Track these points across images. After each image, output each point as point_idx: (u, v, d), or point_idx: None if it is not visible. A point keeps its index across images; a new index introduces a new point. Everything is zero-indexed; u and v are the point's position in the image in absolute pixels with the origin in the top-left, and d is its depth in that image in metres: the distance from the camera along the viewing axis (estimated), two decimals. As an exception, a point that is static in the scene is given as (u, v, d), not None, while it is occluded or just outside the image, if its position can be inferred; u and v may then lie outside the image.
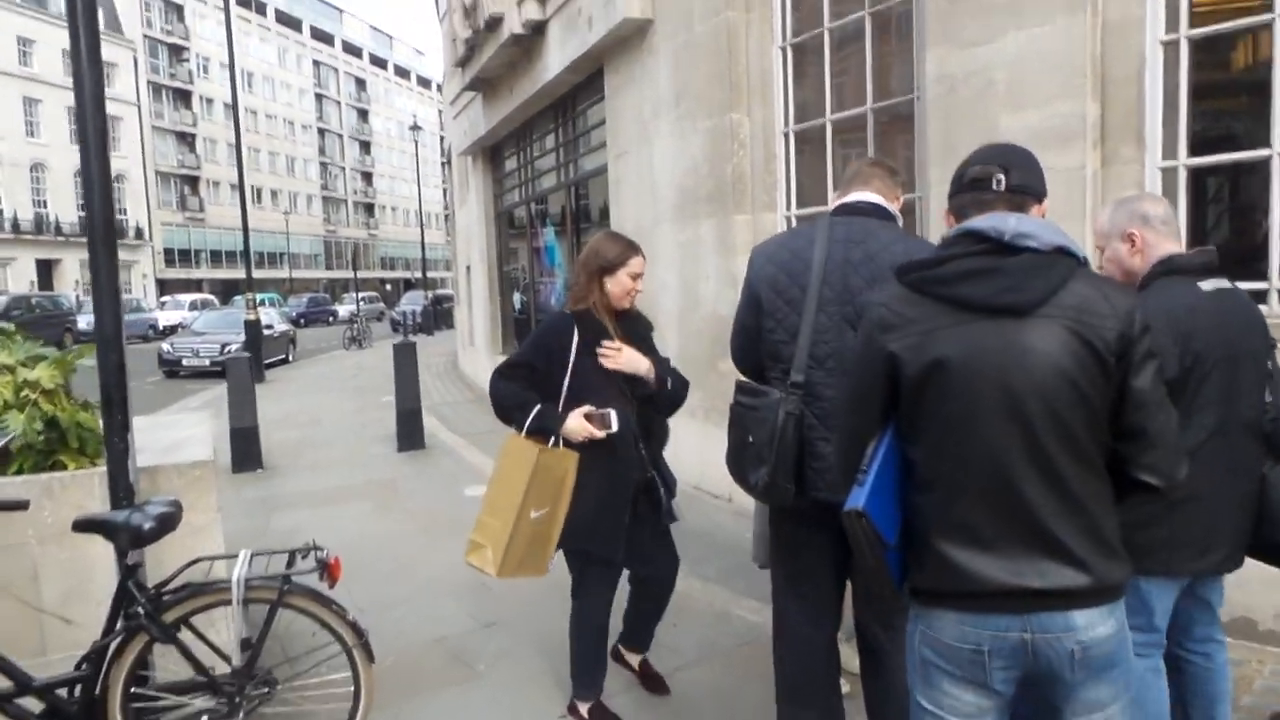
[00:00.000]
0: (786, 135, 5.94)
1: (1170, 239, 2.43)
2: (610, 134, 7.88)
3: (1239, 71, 3.88)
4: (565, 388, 3.01)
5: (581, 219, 9.92)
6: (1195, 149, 3.83)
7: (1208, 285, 2.32)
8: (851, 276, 2.45)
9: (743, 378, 2.78)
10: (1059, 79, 3.99)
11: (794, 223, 5.98)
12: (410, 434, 9.03)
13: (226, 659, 2.70)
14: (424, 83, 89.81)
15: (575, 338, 3.01)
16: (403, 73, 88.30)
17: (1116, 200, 2.53)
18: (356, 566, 5.26)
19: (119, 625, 2.58)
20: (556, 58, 8.50)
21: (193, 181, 59.84)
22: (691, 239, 6.60)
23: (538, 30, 8.73)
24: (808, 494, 2.46)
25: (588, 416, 2.96)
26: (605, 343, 3.03)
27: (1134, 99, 3.90)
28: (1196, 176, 3.90)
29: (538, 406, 2.98)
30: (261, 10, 67.64)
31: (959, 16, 4.35)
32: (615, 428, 2.97)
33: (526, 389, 3.04)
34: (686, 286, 6.71)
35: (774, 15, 5.87)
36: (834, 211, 2.59)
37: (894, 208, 2.59)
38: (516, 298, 12.82)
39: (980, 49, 4.28)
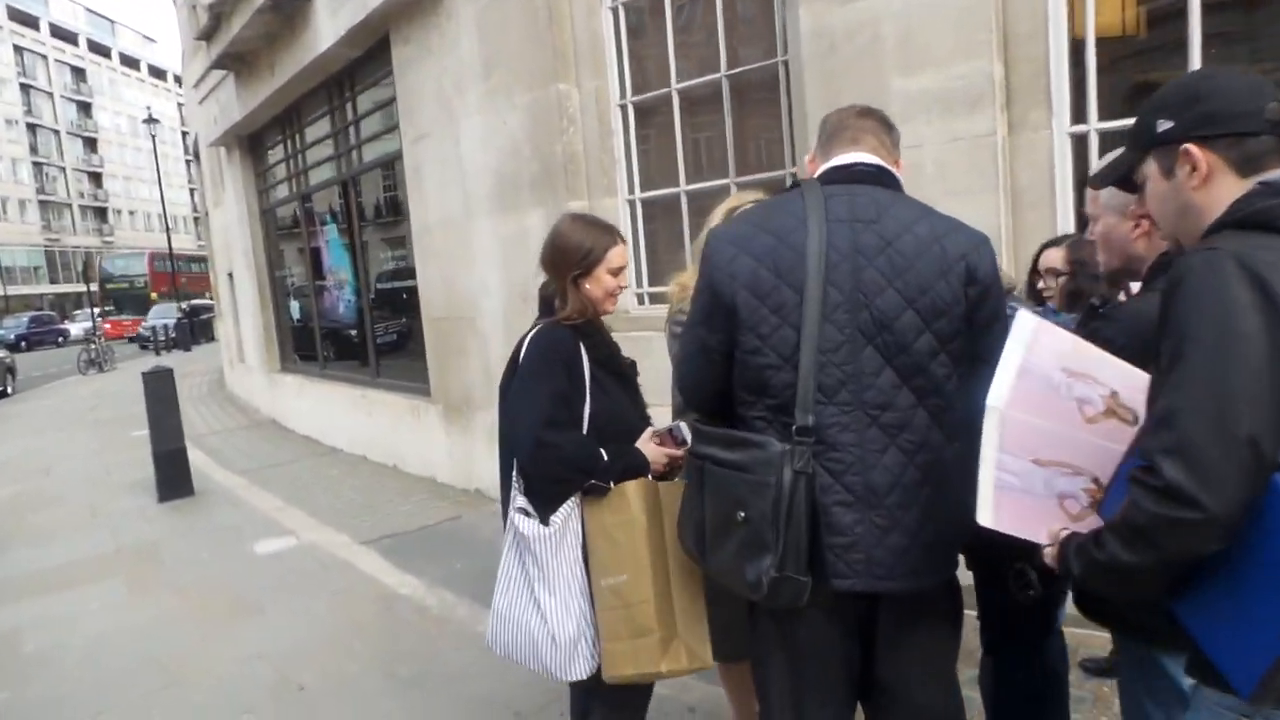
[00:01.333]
0: (624, 108, 5.18)
1: None
2: (404, 114, 6.75)
3: (1152, 24, 3.57)
4: (586, 421, 2.21)
5: (370, 213, 8.64)
6: (1106, 112, 3.48)
7: None
8: (865, 270, 1.72)
9: (694, 421, 1.97)
10: (959, 34, 3.50)
11: (639, 209, 5.24)
12: (174, 479, 7.38)
13: None
14: (158, 73, 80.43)
15: (585, 357, 2.22)
16: (131, 62, 78.45)
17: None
18: (102, 687, 3.90)
19: None
20: (328, 27, 7.20)
21: None
22: (516, 232, 5.68)
23: (303, -8, 7.37)
24: (827, 584, 1.71)
25: (658, 439, 2.29)
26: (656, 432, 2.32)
27: (1041, 57, 3.48)
28: (1110, 144, 3.56)
29: (605, 449, 2.19)
30: (-62, -17, 57.47)
31: (836, -37, 3.77)
32: (690, 441, 2.20)
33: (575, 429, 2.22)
34: (513, 287, 5.78)
35: (602, -32, 5.07)
36: (822, 178, 1.84)
37: (897, 173, 1.88)
38: (294, 305, 11.19)
39: (862, 1, 3.72)
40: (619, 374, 2.33)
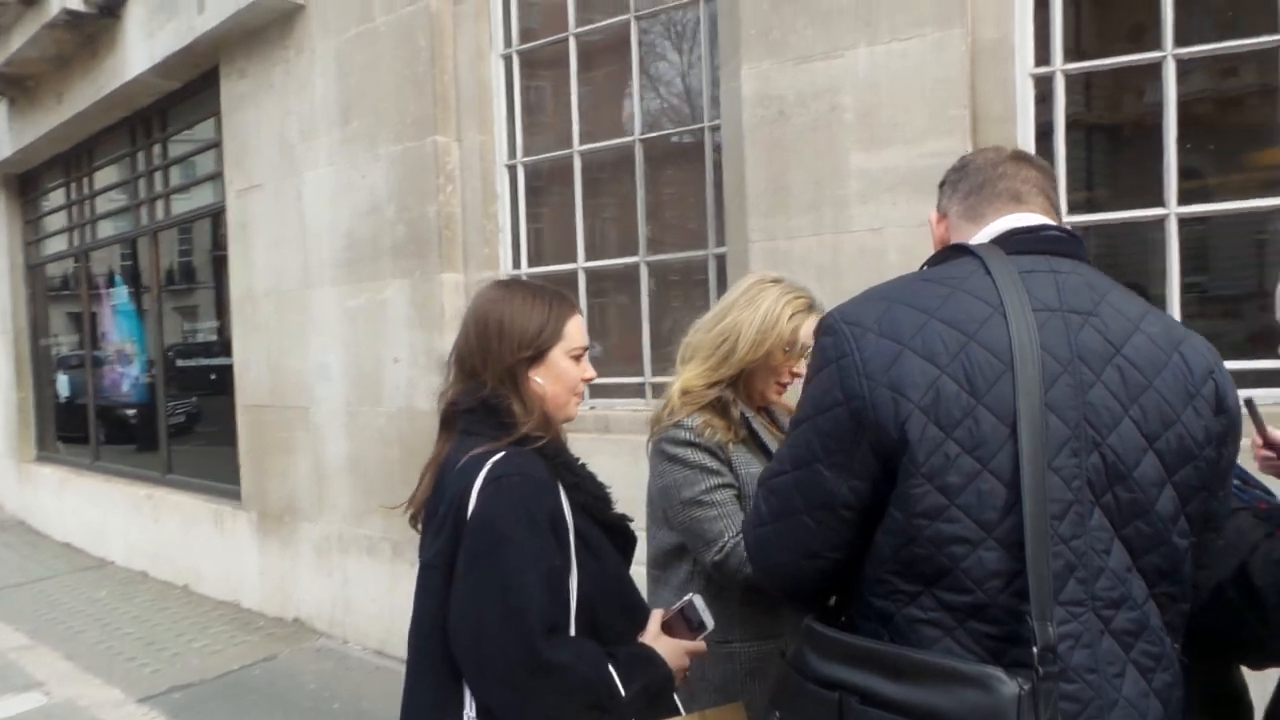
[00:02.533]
0: (513, 169, 4.48)
1: None
2: (231, 161, 5.69)
3: (1126, 115, 3.35)
4: (574, 596, 1.46)
5: (175, 276, 7.30)
6: (1076, 205, 3.18)
7: None
8: (1093, 388, 1.12)
9: (810, 621, 1.25)
10: (930, 109, 3.12)
11: (524, 286, 4.49)
12: None
13: None
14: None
15: (565, 503, 1.50)
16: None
17: None
18: None
19: None
20: (140, 52, 6.05)
21: None
22: (370, 305, 4.75)
23: (109, 10, 6.19)
24: None
25: (666, 627, 1.61)
26: None
27: (1011, 141, 3.15)
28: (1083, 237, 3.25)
29: (606, 657, 1.46)
30: None
31: (788, 21, 3.32)
32: (710, 622, 1.62)
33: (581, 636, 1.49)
34: (361, 373, 4.82)
35: (493, 10, 4.42)
36: (1000, 244, 1.23)
37: None
38: (63, 380, 9.33)
39: (819, 65, 3.28)
40: (609, 525, 1.58)
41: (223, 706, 4.25)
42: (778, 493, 1.22)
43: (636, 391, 4.11)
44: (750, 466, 1.88)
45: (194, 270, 7.13)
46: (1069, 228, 1.26)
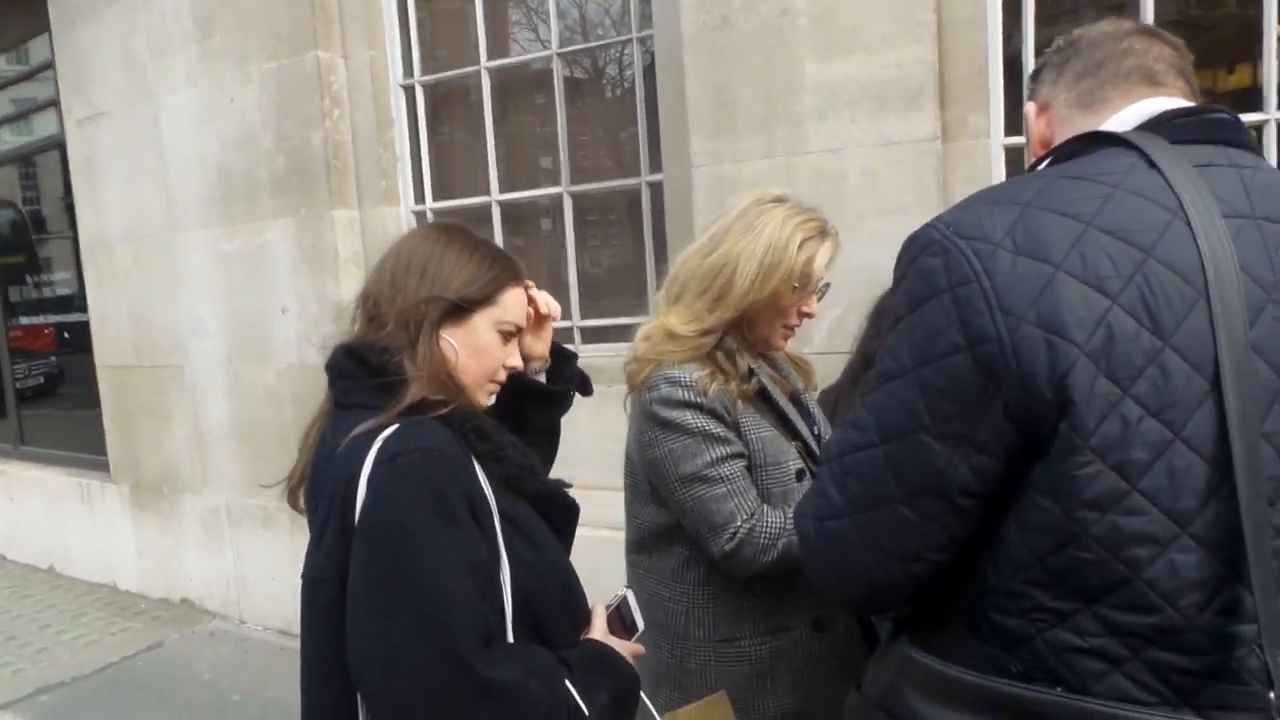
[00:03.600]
0: (410, 90, 3.93)
1: None
2: (69, 86, 4.87)
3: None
4: (508, 594, 1.14)
5: (4, 224, 6.36)
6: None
7: None
8: None
9: (907, 648, 0.94)
10: (893, 11, 2.79)
11: (430, 219, 3.99)
12: None
13: None
14: None
15: (485, 481, 1.17)
16: None
17: None
18: None
19: None
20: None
21: None
22: (247, 249, 4.16)
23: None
24: None
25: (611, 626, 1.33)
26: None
27: (982, 50, 2.87)
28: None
29: (561, 666, 1.15)
30: None
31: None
32: (641, 624, 1.40)
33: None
34: (242, 325, 4.24)
35: (380, -97, 3.82)
36: (1161, 133, 0.91)
37: None
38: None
39: (767, -37, 2.90)
40: (541, 499, 1.25)
41: (102, 707, 3.73)
42: (859, 474, 0.90)
43: (564, 338, 3.72)
44: (760, 430, 1.56)
45: (30, 219, 6.22)
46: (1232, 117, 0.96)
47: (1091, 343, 0.78)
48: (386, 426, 1.08)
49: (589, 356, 3.31)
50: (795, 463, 1.58)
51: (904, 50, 2.78)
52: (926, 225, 0.90)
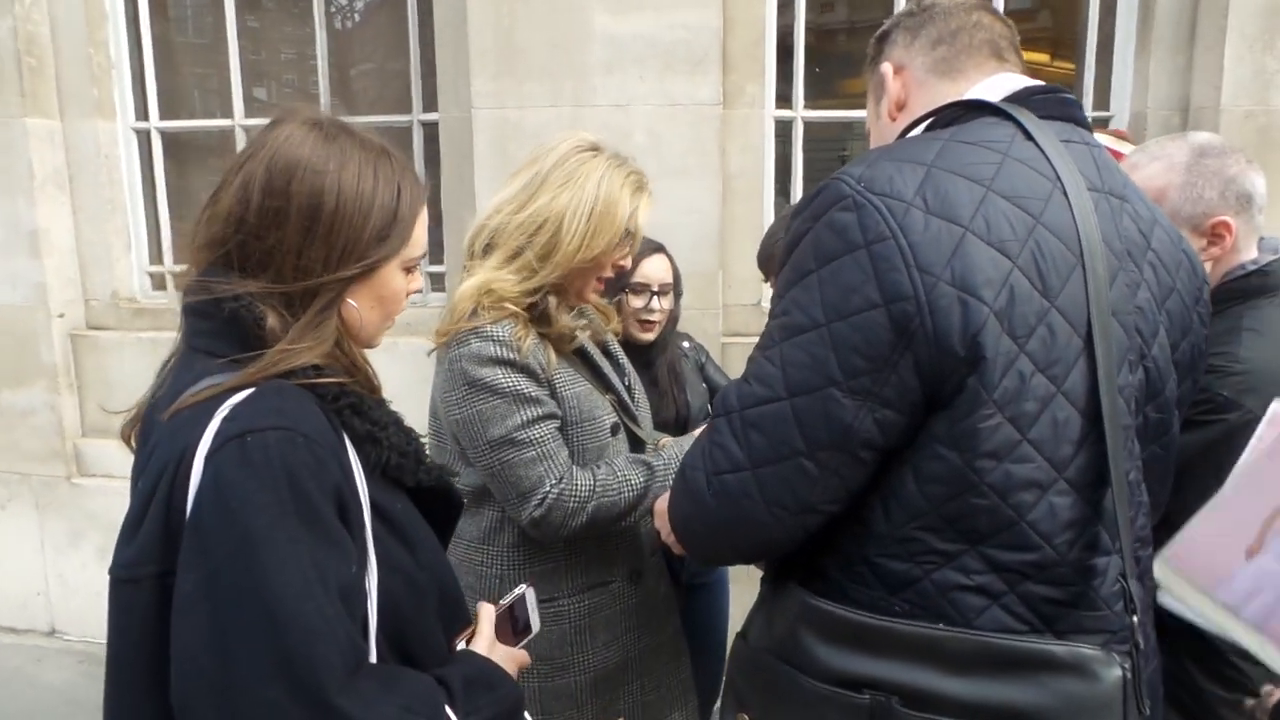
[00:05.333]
0: (131, -15, 3.35)
1: (1253, 239, 1.52)
2: None
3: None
4: (373, 605, 0.93)
5: None
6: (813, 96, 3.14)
7: None
8: (1139, 289, 0.96)
9: (812, 600, 0.94)
10: (682, -28, 2.81)
11: (156, 145, 3.46)
12: None
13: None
14: None
15: (356, 467, 0.95)
16: None
17: (1191, 150, 1.48)
18: None
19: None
20: None
21: None
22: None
23: None
24: None
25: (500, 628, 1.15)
26: None
27: (760, 20, 2.99)
28: (815, 132, 3.23)
29: (439, 689, 0.95)
30: None
31: None
32: (536, 625, 1.23)
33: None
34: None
35: None
36: (1027, 107, 0.98)
37: None
38: None
39: (559, -97, 2.79)
40: (427, 495, 1.08)
41: None
42: (763, 427, 0.89)
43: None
44: (574, 386, 1.51)
45: None
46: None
47: (998, 302, 0.83)
48: (238, 390, 0.87)
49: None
50: (609, 417, 1.56)
51: (691, 12, 2.81)
52: (834, 178, 0.90)
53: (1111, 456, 0.84)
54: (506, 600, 1.18)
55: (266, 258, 0.92)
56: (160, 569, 0.84)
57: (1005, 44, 1.06)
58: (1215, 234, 1.41)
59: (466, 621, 1.13)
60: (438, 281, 3.33)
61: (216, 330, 0.93)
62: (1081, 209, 0.87)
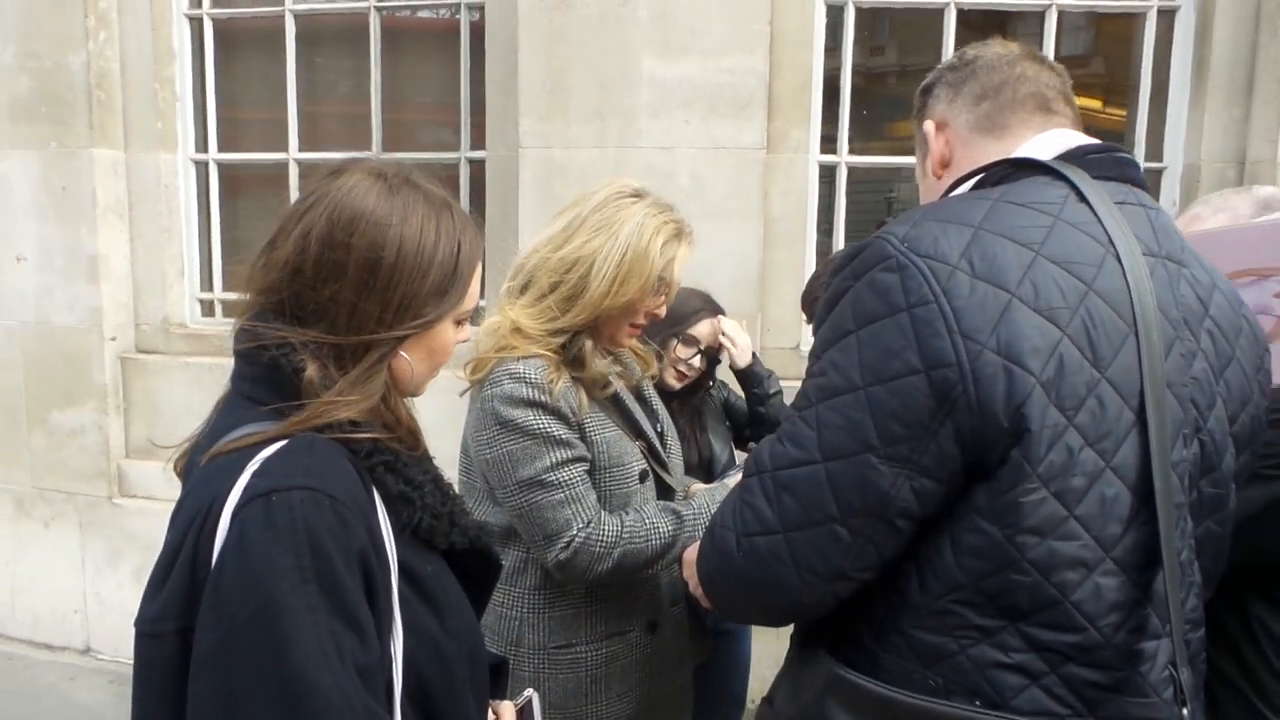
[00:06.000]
0: (197, 21, 3.48)
1: None
2: None
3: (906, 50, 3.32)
4: (398, 671, 0.90)
5: None
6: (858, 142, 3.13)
7: None
8: (1196, 359, 0.91)
9: (840, 670, 0.91)
10: (730, 18, 2.84)
11: (213, 175, 3.57)
12: None
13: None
14: None
15: (386, 529, 0.92)
16: None
17: (1254, 202, 1.44)
18: None
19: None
20: None
21: None
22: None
23: None
24: None
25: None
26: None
27: (807, 66, 3.00)
28: (859, 178, 3.22)
29: None
30: None
31: (576, -111, 2.83)
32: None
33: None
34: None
35: None
36: (1080, 166, 0.95)
37: None
38: None
39: (610, -52, 2.85)
40: (464, 557, 1.04)
41: None
42: (796, 490, 0.87)
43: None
44: (605, 430, 1.49)
45: None
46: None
47: (1045, 372, 0.80)
48: (273, 441, 0.86)
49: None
50: (639, 464, 1.55)
51: (738, 57, 2.84)
52: (877, 237, 0.88)
53: (1164, 537, 0.80)
54: (519, 702, 1.15)
55: (322, 309, 0.91)
56: (181, 625, 0.82)
57: (1054, 94, 1.03)
58: None
59: (487, 693, 1.09)
60: (478, 319, 3.36)
61: (258, 376, 0.93)
62: (1136, 275, 0.84)
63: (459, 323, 1.00)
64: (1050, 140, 0.98)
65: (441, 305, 0.95)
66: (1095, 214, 0.87)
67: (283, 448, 0.85)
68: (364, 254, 0.90)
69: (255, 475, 0.83)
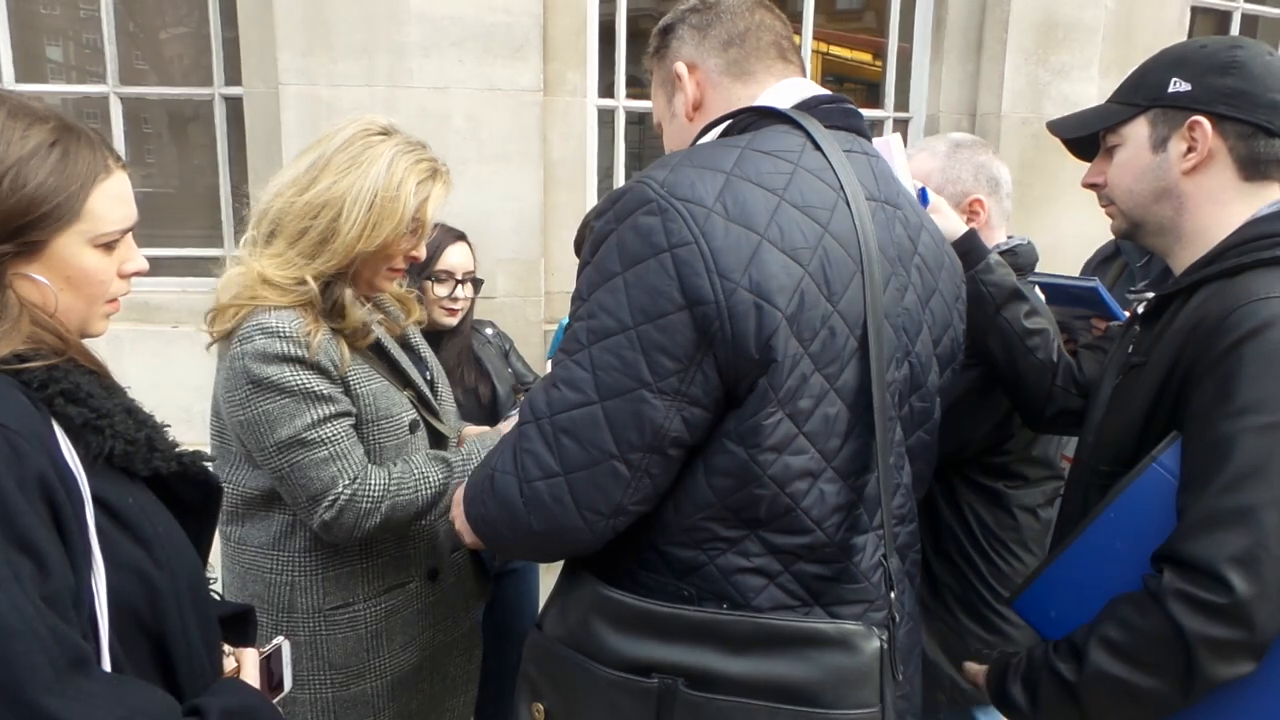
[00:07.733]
0: None
1: (1004, 221, 1.72)
2: None
3: None
4: (103, 607, 0.86)
5: None
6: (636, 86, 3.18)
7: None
8: (907, 292, 1.05)
9: (601, 589, 0.98)
10: (503, -45, 2.77)
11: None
12: None
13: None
14: None
15: (73, 460, 0.87)
16: None
17: (949, 143, 1.66)
18: None
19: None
20: None
21: None
22: None
23: None
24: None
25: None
26: None
27: (583, 9, 2.99)
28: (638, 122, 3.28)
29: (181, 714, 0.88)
30: None
31: None
32: (289, 683, 1.16)
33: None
34: None
35: None
36: (814, 116, 1.03)
37: None
38: None
39: None
40: (176, 482, 1.01)
41: None
42: (575, 432, 0.90)
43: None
44: (370, 382, 1.45)
45: None
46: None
47: (790, 307, 0.87)
48: None
49: (146, 292, 2.85)
50: (408, 414, 1.52)
51: (513, -1, 2.78)
52: (637, 182, 0.91)
53: (880, 446, 0.91)
54: (266, 650, 1.12)
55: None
56: None
57: (787, 44, 1.10)
58: (971, 211, 1.58)
59: (216, 633, 1.05)
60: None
61: None
62: (862, 218, 0.93)
63: (106, 247, 0.94)
64: (789, 89, 1.05)
65: (37, 221, 0.87)
66: (829, 161, 0.95)
67: None
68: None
69: None
